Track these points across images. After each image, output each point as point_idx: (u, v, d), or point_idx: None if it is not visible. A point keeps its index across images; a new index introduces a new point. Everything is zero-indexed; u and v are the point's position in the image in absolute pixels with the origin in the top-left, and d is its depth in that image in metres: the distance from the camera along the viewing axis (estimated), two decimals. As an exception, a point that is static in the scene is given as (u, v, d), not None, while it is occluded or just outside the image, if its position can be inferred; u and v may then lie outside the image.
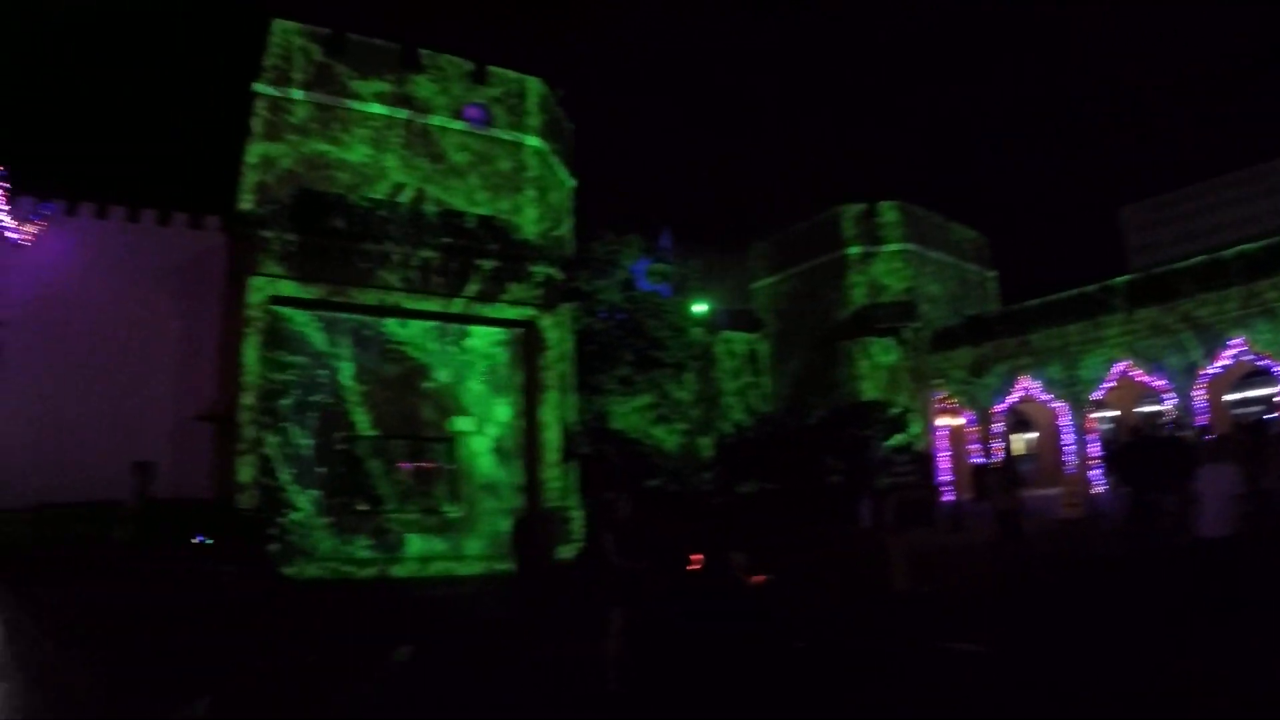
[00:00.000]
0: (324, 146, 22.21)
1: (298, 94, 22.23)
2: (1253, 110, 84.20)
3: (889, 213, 38.09)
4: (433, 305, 21.76)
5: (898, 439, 30.66)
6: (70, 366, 22.32)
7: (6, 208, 21.13)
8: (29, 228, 21.79)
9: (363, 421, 21.59)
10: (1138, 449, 16.57)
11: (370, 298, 21.10)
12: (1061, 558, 16.82)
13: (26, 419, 21.56)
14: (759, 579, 14.47)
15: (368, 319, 21.81)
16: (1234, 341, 28.56)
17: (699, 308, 33.91)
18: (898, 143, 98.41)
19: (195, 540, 17.87)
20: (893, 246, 37.52)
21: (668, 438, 33.15)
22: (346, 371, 21.57)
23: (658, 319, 30.39)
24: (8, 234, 21.25)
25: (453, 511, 22.16)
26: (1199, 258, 31.24)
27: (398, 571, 20.25)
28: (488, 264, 21.85)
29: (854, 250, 37.64)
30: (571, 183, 27.78)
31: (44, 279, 22.24)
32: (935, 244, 39.76)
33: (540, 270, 22.50)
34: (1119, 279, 33.30)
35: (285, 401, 20.67)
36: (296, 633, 12.91)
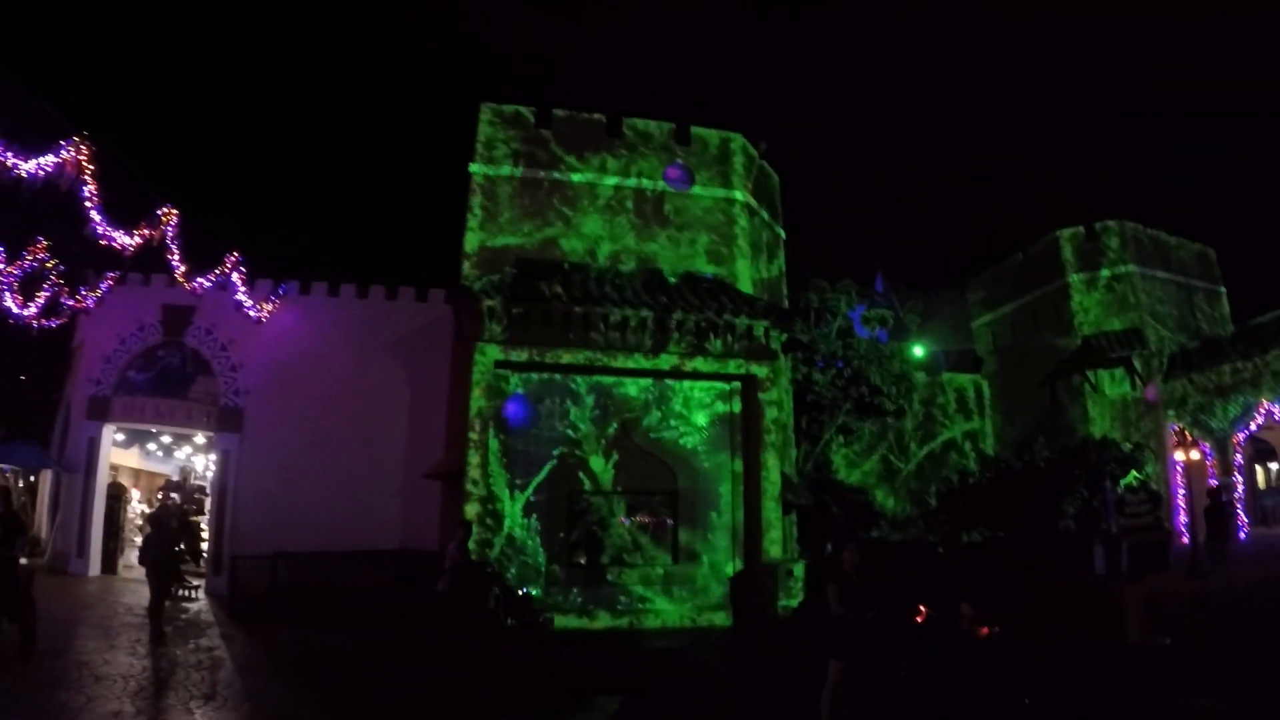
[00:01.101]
0: (539, 217, 23.65)
1: (509, 170, 23.77)
2: None
3: (1108, 234, 36.68)
4: (652, 363, 22.53)
5: (1132, 477, 29.48)
6: (306, 430, 24.60)
7: (245, 290, 23.28)
8: (267, 306, 24.16)
9: (591, 478, 22.69)
10: None
11: (592, 358, 22.03)
12: None
13: (266, 478, 24.00)
14: (985, 631, 14.40)
15: (590, 379, 22.94)
16: None
17: (917, 351, 33.71)
18: (1109, 157, 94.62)
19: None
20: (1115, 270, 36.01)
21: (888, 494, 33.09)
22: (572, 431, 22.69)
23: (877, 365, 30.39)
24: (248, 312, 23.47)
25: (676, 564, 22.79)
26: None
27: (620, 623, 21.23)
28: (705, 320, 22.49)
29: (1075, 277, 36.38)
30: (782, 234, 28.38)
31: (282, 352, 24.96)
32: (1158, 263, 37.94)
33: (758, 324, 22.98)
34: None
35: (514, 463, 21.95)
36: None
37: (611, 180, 24.34)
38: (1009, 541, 26.82)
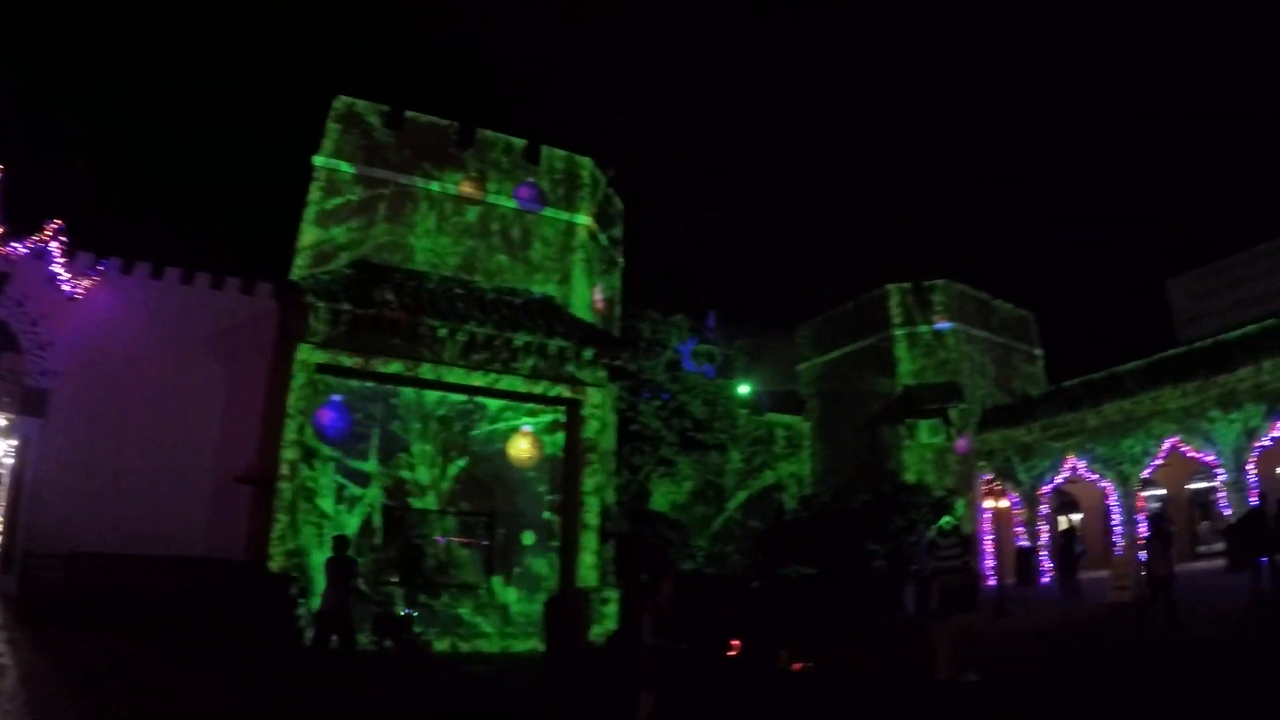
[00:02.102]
0: (378, 220, 23.30)
1: (355, 168, 23.34)
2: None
3: (936, 292, 38.93)
4: (479, 380, 22.37)
5: (944, 522, 30.67)
6: (115, 421, 23.09)
7: (63, 261, 22.01)
8: (84, 282, 22.76)
9: (413, 493, 22.38)
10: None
11: (418, 371, 21.71)
12: (1115, 643, 16.93)
13: (67, 467, 22.38)
14: (798, 666, 14.80)
15: (414, 391, 22.59)
16: None
17: (743, 389, 34.43)
18: (942, 220, 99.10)
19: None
20: (939, 326, 38.30)
21: (706, 519, 33.50)
22: (389, 443, 22.29)
23: (702, 400, 30.91)
24: (63, 286, 22.12)
25: (489, 588, 22.59)
26: (1250, 326, 31.30)
27: (441, 646, 20.66)
28: (535, 341, 22.44)
29: (900, 330, 38.49)
30: (621, 261, 28.63)
31: (96, 333, 23.21)
32: (981, 323, 40.34)
33: (587, 350, 23.06)
34: (1168, 352, 33.67)
35: (325, 469, 21.37)
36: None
37: (456, 190, 24.22)
38: (824, 579, 27.59)
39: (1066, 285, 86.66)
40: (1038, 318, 44.97)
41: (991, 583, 26.73)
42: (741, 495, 35.69)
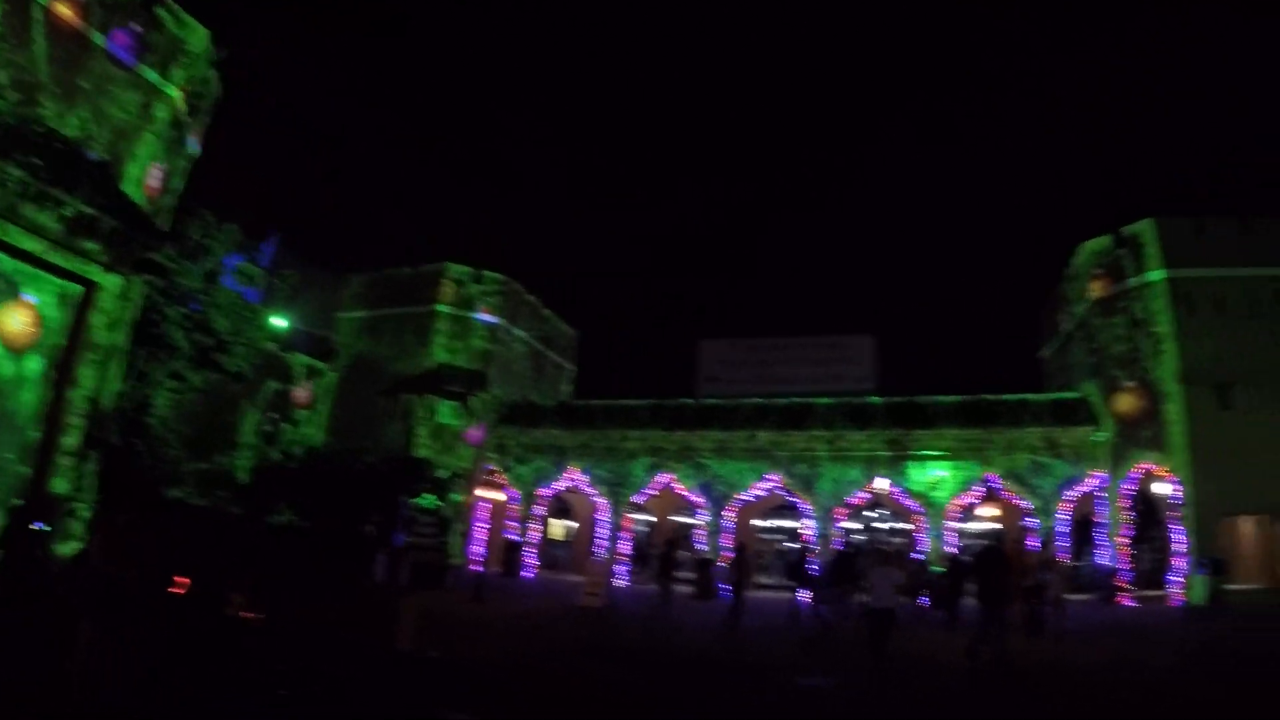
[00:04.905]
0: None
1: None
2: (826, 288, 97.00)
3: (489, 283, 40.56)
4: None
5: (427, 500, 31.50)
6: None
7: None
8: None
9: None
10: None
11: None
12: (579, 639, 18.37)
13: None
14: (249, 615, 14.23)
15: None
16: (770, 476, 34.08)
17: (279, 321, 33.22)
18: (523, 220, 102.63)
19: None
20: (483, 316, 39.97)
21: (209, 447, 31.94)
22: None
23: (232, 322, 29.33)
24: None
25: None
26: (754, 399, 37.45)
27: None
28: (72, 204, 20.21)
29: (446, 309, 39.59)
30: (194, 152, 26.58)
31: None
32: (526, 325, 42.47)
33: (124, 231, 20.91)
34: (682, 400, 37.86)
35: None
36: None
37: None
38: (312, 534, 27.36)
39: (621, 317, 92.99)
40: (582, 337, 48.21)
41: (477, 569, 27.88)
42: (251, 431, 34.58)
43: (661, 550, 28.27)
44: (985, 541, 33.00)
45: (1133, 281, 33.54)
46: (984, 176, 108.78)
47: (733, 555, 24.48)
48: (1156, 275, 32.82)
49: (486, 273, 40.54)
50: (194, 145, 26.03)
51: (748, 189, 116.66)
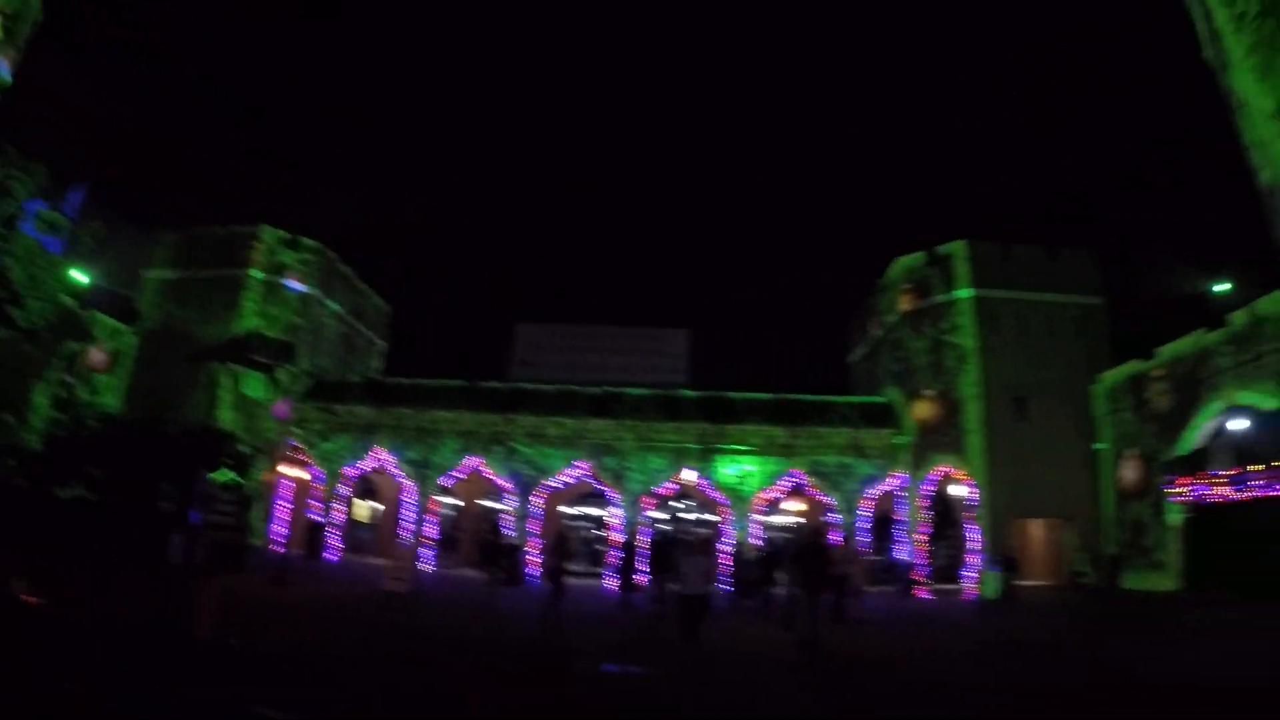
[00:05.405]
0: None
1: None
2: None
3: (302, 249, 38.73)
4: None
5: (227, 476, 30.17)
6: None
7: None
8: None
9: None
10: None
11: None
12: (381, 624, 17.98)
13: None
14: (31, 599, 13.25)
15: None
16: (580, 463, 34.25)
17: (81, 276, 31.17)
18: (343, 189, 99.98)
19: None
20: (293, 284, 38.20)
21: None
22: None
23: (27, 271, 27.38)
24: None
25: None
26: (566, 385, 37.65)
27: None
28: None
29: (258, 274, 37.46)
30: (6, 79, 24.49)
31: None
32: (340, 297, 41.06)
33: None
34: (492, 383, 37.60)
35: None
36: None
37: None
38: (105, 510, 25.90)
39: (438, 295, 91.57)
40: (395, 313, 47.26)
41: (279, 550, 26.96)
42: (44, 395, 32.41)
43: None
44: (787, 535, 34.51)
45: (942, 297, 35.55)
46: (809, 190, 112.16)
47: (553, 542, 24.49)
48: (965, 293, 34.84)
49: (303, 239, 38.73)
50: (4, 71, 24.21)
51: (576, 178, 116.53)
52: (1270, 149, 17.69)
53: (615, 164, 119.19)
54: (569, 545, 26.64)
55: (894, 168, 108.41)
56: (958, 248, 35.72)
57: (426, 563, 32.25)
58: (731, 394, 37.31)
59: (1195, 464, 25.17)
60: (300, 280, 38.34)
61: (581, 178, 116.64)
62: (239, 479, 30.27)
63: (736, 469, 35.67)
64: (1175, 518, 28.94)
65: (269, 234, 38.03)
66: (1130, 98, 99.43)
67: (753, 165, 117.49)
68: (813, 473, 35.43)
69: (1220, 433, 27.13)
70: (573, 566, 33.63)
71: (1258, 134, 18.45)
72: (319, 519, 34.35)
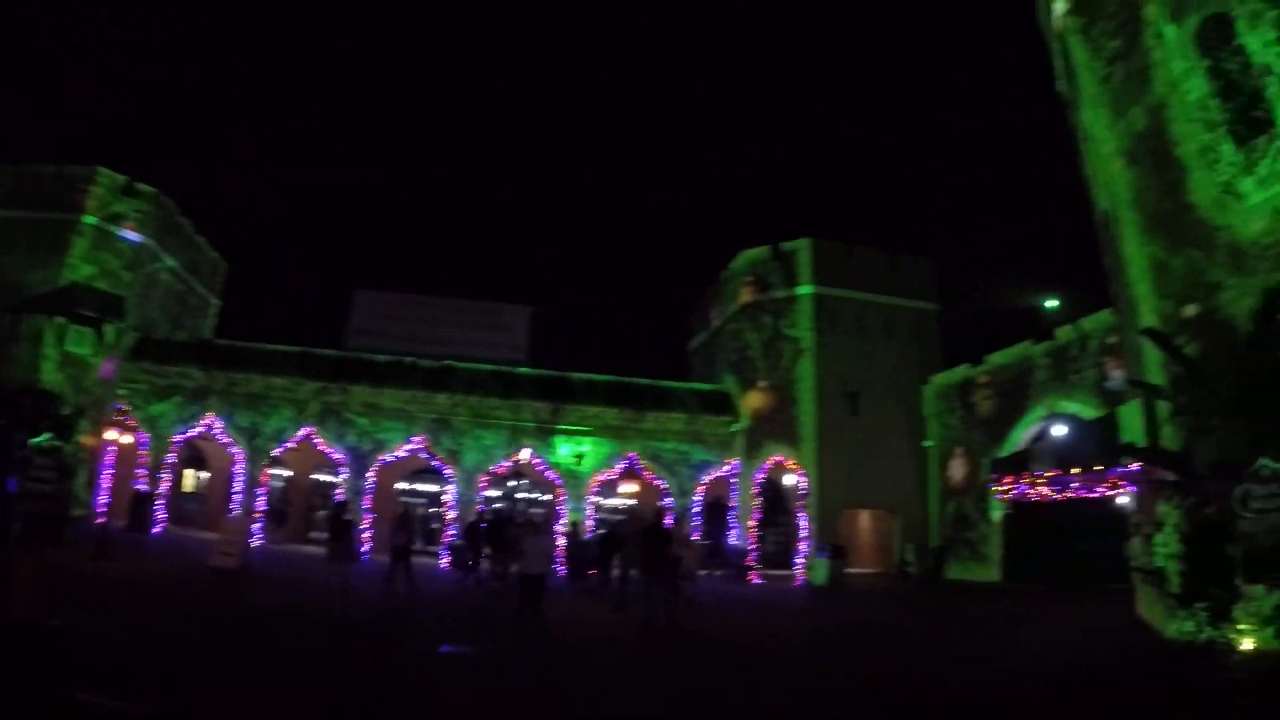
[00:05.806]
0: None
1: None
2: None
3: (143, 199, 36.38)
4: None
5: (45, 439, 28.76)
6: None
7: None
8: None
9: None
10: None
11: None
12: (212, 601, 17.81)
13: None
14: None
15: None
16: (416, 438, 34.20)
17: None
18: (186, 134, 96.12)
19: None
20: (128, 235, 35.64)
21: None
22: None
23: None
24: None
25: None
26: (402, 357, 37.52)
27: None
28: None
29: (90, 220, 34.68)
30: None
31: None
32: (175, 250, 39.01)
33: None
34: (327, 351, 36.90)
35: None
36: None
37: None
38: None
39: (277, 255, 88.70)
40: (231, 271, 45.73)
41: (101, 522, 25.90)
42: None
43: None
44: (621, 517, 35.17)
45: (782, 292, 36.63)
46: (659, 178, 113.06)
47: (399, 519, 24.55)
48: (806, 289, 36.02)
49: (140, 185, 36.23)
50: None
51: (432, 145, 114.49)
52: (1110, 183, 18.96)
53: (474, 135, 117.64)
54: (413, 523, 26.72)
55: (746, 163, 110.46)
56: (802, 245, 37.00)
57: (256, 537, 31.56)
58: (571, 374, 37.70)
59: (1018, 464, 26.81)
60: (135, 229, 35.94)
61: (437, 147, 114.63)
62: (59, 443, 29.07)
63: (573, 449, 36.12)
64: (998, 513, 30.97)
65: (105, 177, 35.40)
66: (980, 121, 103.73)
67: (610, 147, 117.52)
68: (648, 456, 36.19)
69: (1042, 436, 29.09)
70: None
71: (1099, 168, 19.78)
72: (145, 489, 32.84)
